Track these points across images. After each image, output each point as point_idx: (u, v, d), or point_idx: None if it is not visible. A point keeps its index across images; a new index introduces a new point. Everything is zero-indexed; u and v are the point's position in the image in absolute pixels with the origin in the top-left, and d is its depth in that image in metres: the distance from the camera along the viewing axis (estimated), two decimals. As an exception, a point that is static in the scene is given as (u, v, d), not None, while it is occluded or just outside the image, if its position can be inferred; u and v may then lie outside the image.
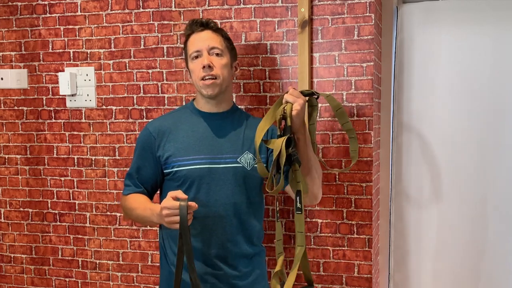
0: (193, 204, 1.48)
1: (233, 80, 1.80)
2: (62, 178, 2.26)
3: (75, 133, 2.22)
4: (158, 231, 1.76)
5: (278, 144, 1.51)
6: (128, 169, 1.84)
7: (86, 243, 2.25)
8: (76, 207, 2.25)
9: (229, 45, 1.71)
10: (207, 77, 1.63)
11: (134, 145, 1.87)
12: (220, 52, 1.66)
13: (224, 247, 1.65)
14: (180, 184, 1.65)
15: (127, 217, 1.77)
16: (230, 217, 1.65)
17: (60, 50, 2.21)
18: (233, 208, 1.66)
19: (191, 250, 1.49)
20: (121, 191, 1.84)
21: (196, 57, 1.66)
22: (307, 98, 1.64)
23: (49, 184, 2.27)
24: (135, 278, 2.21)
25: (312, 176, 1.65)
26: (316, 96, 1.67)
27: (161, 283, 1.76)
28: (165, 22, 2.09)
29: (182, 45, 2.07)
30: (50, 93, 2.25)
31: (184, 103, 2.08)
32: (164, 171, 1.68)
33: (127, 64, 2.15)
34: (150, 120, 1.89)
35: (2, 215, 2.34)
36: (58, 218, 2.28)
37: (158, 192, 1.80)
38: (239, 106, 2.04)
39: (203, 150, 1.66)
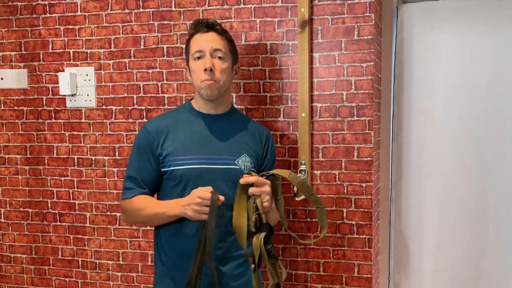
0: (221, 197, 1.53)
1: (232, 81, 1.80)
2: (62, 178, 2.26)
3: (75, 133, 2.22)
4: (154, 230, 1.75)
5: (257, 244, 1.53)
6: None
7: (86, 243, 2.25)
8: (76, 207, 2.25)
9: (232, 48, 1.71)
10: (208, 79, 1.63)
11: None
12: (223, 56, 1.65)
13: (218, 247, 1.65)
14: (177, 183, 1.64)
15: (130, 220, 1.75)
16: (226, 218, 1.65)
17: (60, 50, 2.21)
18: (229, 209, 1.65)
19: (213, 239, 1.53)
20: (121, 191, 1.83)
21: (199, 57, 1.65)
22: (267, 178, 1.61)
23: (49, 184, 2.27)
24: (135, 278, 2.21)
25: None
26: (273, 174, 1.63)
27: (155, 281, 1.76)
28: (165, 22, 2.09)
29: (182, 45, 2.07)
30: (50, 93, 2.25)
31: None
32: (161, 169, 1.68)
33: (127, 64, 2.15)
34: (148, 120, 1.89)
35: (2, 215, 2.34)
36: (58, 218, 2.28)
37: None
38: (239, 106, 2.04)
39: (201, 151, 1.65)
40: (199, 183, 1.63)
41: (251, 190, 1.55)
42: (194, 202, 1.53)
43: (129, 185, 1.70)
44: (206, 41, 1.64)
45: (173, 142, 1.66)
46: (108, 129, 2.18)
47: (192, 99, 1.77)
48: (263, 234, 1.53)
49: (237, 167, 1.67)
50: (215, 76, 1.63)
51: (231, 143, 1.69)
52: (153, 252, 2.16)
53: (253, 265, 1.56)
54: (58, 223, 2.28)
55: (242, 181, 1.55)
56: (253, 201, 1.55)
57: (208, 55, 1.64)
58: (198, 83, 1.65)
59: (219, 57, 1.65)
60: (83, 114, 2.21)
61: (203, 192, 1.53)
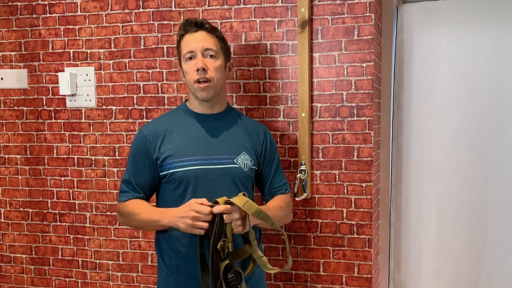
0: (222, 207, 1.52)
1: (227, 80, 1.78)
2: (62, 178, 2.26)
3: (75, 133, 2.23)
4: (155, 233, 1.75)
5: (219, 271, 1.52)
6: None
7: (86, 243, 2.25)
8: (76, 207, 2.25)
9: (223, 45, 1.69)
10: (201, 80, 1.62)
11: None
12: (215, 54, 1.64)
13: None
14: (177, 186, 1.63)
15: (125, 223, 1.75)
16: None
17: (60, 50, 2.21)
18: None
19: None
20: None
21: (190, 58, 1.64)
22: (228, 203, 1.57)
23: (49, 184, 2.27)
24: (135, 278, 2.21)
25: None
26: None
27: (159, 283, 1.75)
28: (165, 22, 2.09)
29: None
30: (50, 93, 2.25)
31: (184, 103, 2.08)
32: (160, 173, 1.66)
33: (127, 64, 2.15)
34: (144, 124, 1.87)
35: (2, 215, 2.34)
36: (58, 218, 2.28)
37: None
38: (239, 106, 2.04)
39: (199, 152, 1.64)
40: (199, 185, 1.62)
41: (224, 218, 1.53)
42: (188, 216, 1.51)
43: (125, 188, 1.69)
44: (196, 41, 1.63)
45: (171, 145, 1.65)
46: (108, 129, 2.19)
47: (187, 100, 1.76)
48: (225, 263, 1.52)
49: (237, 165, 1.66)
50: (208, 75, 1.62)
51: (229, 142, 1.68)
52: (153, 252, 2.16)
53: None
54: (58, 223, 2.28)
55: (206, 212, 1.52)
56: (224, 230, 1.53)
57: (200, 55, 1.62)
58: (192, 84, 1.64)
59: (211, 56, 1.63)
60: (83, 114, 2.21)
61: (199, 206, 1.50)
